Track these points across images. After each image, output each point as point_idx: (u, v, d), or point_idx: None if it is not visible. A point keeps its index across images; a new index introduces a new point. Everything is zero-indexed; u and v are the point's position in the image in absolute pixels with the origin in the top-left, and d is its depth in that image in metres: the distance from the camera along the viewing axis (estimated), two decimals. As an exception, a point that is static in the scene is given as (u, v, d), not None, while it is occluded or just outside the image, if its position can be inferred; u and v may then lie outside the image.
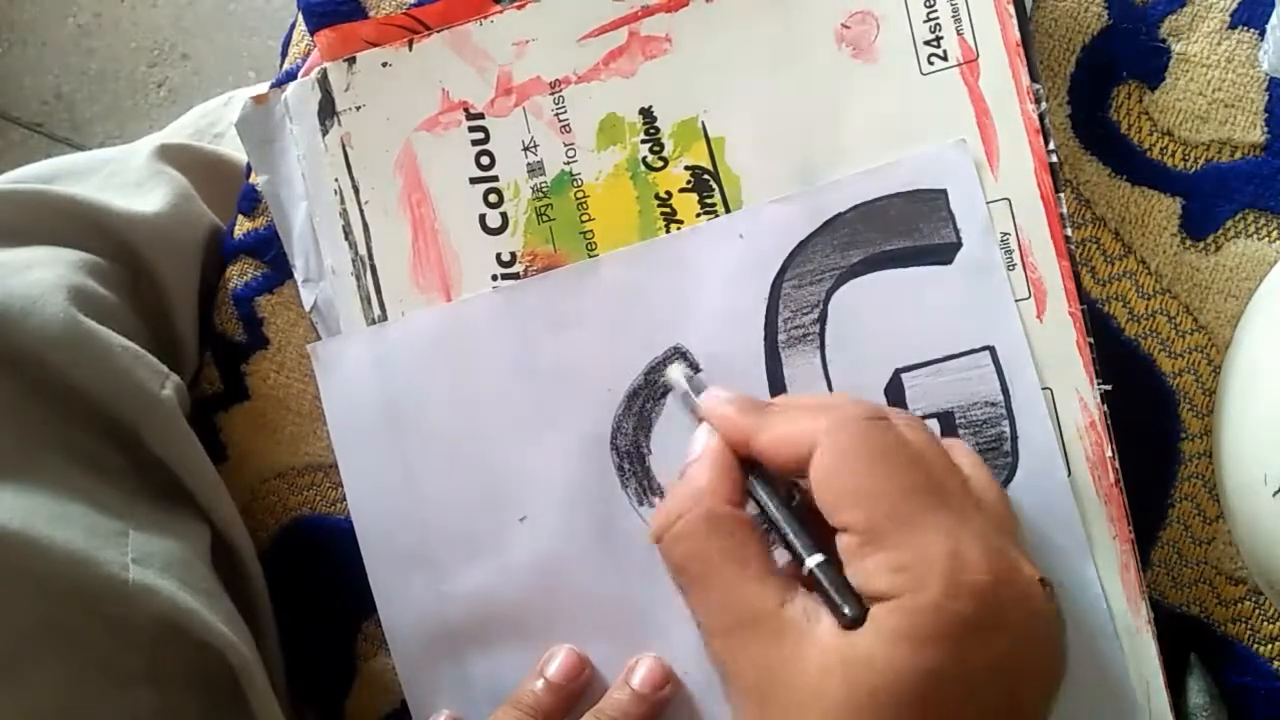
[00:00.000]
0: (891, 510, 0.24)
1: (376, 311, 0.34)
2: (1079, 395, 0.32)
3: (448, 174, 0.34)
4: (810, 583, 0.26)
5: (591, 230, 0.34)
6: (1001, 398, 0.32)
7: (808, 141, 0.33)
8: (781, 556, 0.27)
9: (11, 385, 0.30)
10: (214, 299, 0.38)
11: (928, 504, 0.25)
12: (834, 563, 0.26)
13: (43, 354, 0.30)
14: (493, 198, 0.34)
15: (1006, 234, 0.32)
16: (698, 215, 0.33)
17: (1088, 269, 0.34)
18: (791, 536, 0.27)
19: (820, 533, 0.26)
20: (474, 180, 0.34)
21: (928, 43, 0.32)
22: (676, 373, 0.32)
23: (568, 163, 0.34)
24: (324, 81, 0.34)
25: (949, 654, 0.23)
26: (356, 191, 0.34)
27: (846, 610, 0.25)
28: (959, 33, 0.32)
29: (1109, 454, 0.31)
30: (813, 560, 0.26)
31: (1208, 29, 0.33)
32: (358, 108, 0.34)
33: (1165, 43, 0.33)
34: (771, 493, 0.28)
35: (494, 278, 0.34)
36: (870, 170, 0.32)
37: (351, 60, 0.34)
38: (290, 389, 0.37)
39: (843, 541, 0.25)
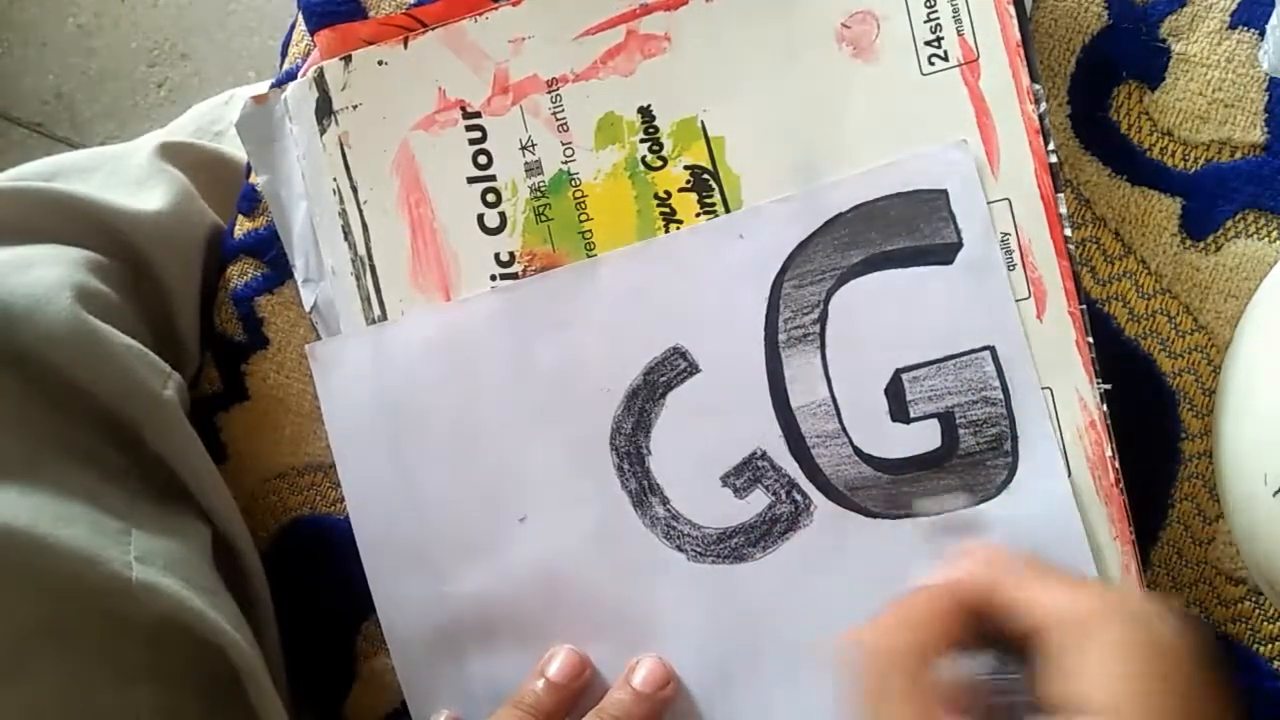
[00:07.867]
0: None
1: (376, 311, 0.34)
2: (1079, 395, 0.32)
3: (445, 173, 0.34)
4: None
5: (590, 230, 0.34)
6: (1001, 398, 0.32)
7: (808, 141, 0.33)
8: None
9: (15, 384, 0.30)
10: (214, 299, 0.38)
11: None
12: None
13: (47, 353, 0.30)
14: (490, 197, 0.34)
15: (1006, 234, 0.32)
16: (697, 215, 0.33)
17: (1088, 269, 0.34)
18: (1015, 698, 0.25)
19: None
20: (471, 180, 0.34)
21: (928, 43, 0.32)
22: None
23: (566, 162, 0.34)
24: (320, 80, 0.34)
25: None
26: (355, 191, 0.34)
27: None
28: (959, 33, 0.32)
29: (1109, 454, 0.31)
30: None
31: (1208, 29, 0.33)
32: (354, 107, 0.34)
33: (1165, 43, 0.33)
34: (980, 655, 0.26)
35: (493, 277, 0.34)
36: (870, 170, 0.32)
37: (348, 59, 0.34)
38: (290, 389, 0.37)
39: None
